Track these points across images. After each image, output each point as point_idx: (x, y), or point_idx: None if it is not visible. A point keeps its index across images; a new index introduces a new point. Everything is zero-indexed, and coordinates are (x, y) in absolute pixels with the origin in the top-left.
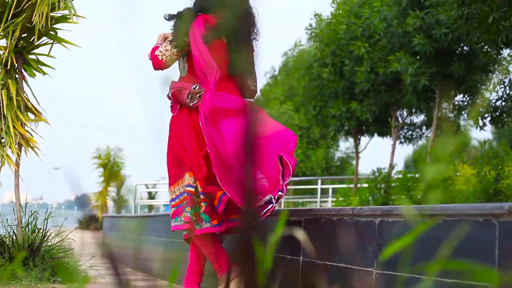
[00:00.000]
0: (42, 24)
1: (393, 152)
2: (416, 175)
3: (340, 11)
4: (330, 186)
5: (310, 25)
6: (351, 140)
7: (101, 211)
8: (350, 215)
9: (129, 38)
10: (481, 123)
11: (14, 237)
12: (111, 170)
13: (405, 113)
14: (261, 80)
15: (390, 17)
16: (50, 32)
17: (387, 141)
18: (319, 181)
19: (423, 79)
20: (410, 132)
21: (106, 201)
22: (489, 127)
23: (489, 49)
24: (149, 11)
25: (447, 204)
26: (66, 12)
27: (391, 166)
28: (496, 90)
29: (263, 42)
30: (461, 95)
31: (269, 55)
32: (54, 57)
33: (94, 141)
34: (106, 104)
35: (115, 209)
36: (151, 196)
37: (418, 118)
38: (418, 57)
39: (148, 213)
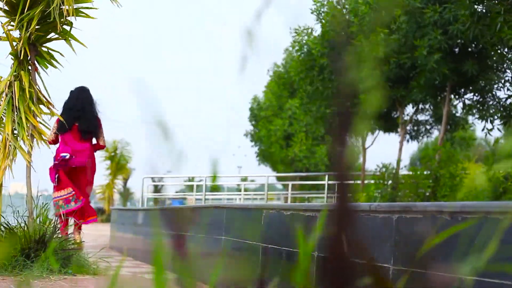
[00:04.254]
0: (63, 15)
1: (400, 149)
2: (425, 172)
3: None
4: (337, 182)
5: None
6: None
7: (108, 203)
8: (367, 211)
9: (134, 33)
10: (489, 126)
11: (26, 229)
12: (118, 163)
13: (412, 110)
14: (266, 78)
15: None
16: (64, 26)
17: (393, 137)
18: (326, 177)
19: (445, 69)
20: (416, 129)
21: (113, 194)
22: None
23: (500, 49)
24: (153, 10)
25: (467, 201)
26: (84, 4)
27: (399, 162)
28: (507, 88)
29: (265, 38)
30: (471, 94)
31: (271, 51)
32: (63, 55)
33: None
34: (112, 97)
35: (121, 201)
36: (157, 189)
37: (425, 115)
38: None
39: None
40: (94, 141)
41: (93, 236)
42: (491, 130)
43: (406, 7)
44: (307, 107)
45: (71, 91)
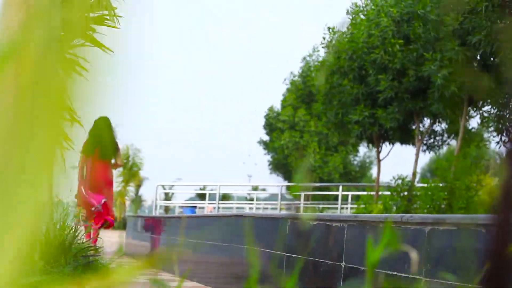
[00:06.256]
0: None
1: (416, 161)
2: (440, 184)
3: (359, 20)
4: (350, 193)
5: (324, 38)
6: (371, 146)
7: (120, 210)
8: (399, 222)
9: (148, 38)
10: (504, 138)
11: (47, 234)
12: (130, 170)
13: (429, 122)
14: (282, 87)
15: (430, 19)
16: (87, 32)
17: (409, 149)
18: (340, 188)
19: (453, 86)
20: (432, 141)
21: (124, 201)
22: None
23: None
24: (152, 9)
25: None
26: (105, 12)
27: (414, 174)
28: None
29: (283, 47)
30: (489, 106)
31: (288, 60)
32: (88, 62)
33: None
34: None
35: (132, 209)
36: (167, 197)
37: (442, 127)
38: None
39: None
40: (113, 160)
41: (107, 243)
42: (506, 142)
43: (422, 19)
44: (323, 112)
45: (95, 120)
